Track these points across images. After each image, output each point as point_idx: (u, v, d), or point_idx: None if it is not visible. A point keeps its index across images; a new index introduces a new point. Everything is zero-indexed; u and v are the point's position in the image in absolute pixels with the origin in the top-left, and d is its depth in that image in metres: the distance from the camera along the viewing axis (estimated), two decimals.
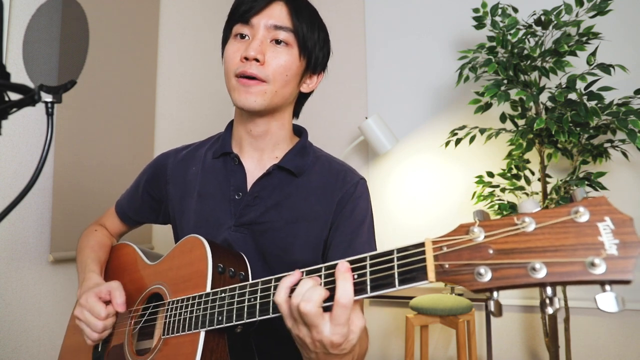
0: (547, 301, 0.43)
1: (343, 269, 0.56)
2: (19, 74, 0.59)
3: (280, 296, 0.59)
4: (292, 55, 0.83)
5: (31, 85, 0.48)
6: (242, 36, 0.84)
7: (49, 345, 1.56)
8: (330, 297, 0.56)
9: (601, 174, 1.87)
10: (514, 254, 0.44)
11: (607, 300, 0.39)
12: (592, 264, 0.40)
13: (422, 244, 0.51)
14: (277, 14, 0.83)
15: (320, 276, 0.59)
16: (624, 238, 0.40)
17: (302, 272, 0.62)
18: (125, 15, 1.96)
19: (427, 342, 2.15)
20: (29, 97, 0.46)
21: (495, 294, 0.46)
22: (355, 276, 0.55)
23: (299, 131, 0.98)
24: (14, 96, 0.46)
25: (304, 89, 0.91)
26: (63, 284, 1.63)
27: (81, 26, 0.55)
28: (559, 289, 2.01)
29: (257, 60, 0.80)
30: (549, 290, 0.43)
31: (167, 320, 0.77)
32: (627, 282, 0.39)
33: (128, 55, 1.96)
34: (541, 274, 0.42)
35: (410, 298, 2.08)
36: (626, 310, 2.15)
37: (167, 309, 0.78)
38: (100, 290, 0.81)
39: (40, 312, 1.54)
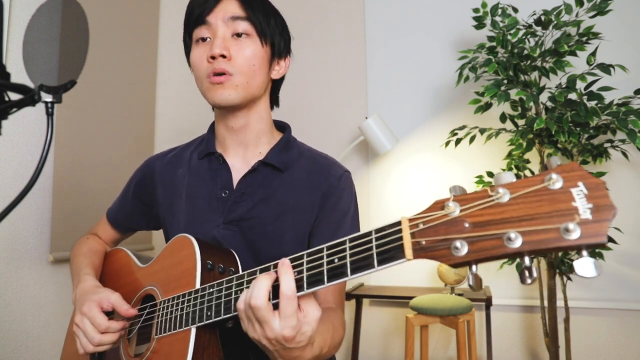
0: (526, 272, 0.43)
1: (285, 264, 0.60)
2: (19, 74, 0.59)
3: (239, 304, 0.62)
4: (255, 44, 0.86)
5: (31, 85, 0.48)
6: (204, 39, 0.86)
7: (49, 345, 1.56)
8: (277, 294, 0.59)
9: (601, 174, 1.87)
10: (489, 225, 0.44)
11: (584, 265, 0.40)
12: (567, 230, 0.40)
13: (398, 223, 0.51)
14: (231, 9, 0.85)
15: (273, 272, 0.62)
16: (598, 202, 0.40)
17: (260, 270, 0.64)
18: (125, 15, 1.96)
19: (427, 342, 2.15)
20: (29, 97, 0.46)
21: (474, 267, 0.46)
22: (336, 260, 0.56)
23: (282, 127, 1.00)
24: (14, 96, 0.46)
25: (275, 75, 0.93)
26: (63, 284, 1.63)
27: (81, 26, 0.55)
28: (558, 284, 2.01)
29: (223, 56, 0.82)
30: (526, 260, 0.43)
31: (159, 320, 0.77)
32: (601, 245, 0.39)
33: (128, 55, 1.96)
34: (517, 243, 0.42)
35: (410, 298, 2.08)
36: (626, 310, 2.15)
37: (159, 308, 0.78)
38: (102, 299, 0.80)
39: (40, 312, 1.54)
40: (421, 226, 0.49)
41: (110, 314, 0.87)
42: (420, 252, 0.48)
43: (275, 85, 0.97)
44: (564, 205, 0.41)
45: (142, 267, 0.90)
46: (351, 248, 0.55)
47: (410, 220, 0.50)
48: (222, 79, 0.82)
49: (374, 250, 0.52)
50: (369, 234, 0.54)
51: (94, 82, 1.77)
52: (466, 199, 0.46)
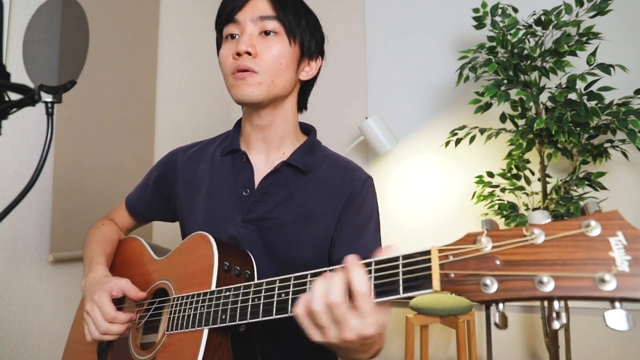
0: (554, 315, 0.42)
1: (352, 260, 0.54)
2: (19, 74, 0.59)
3: (299, 308, 0.56)
4: (283, 43, 0.85)
5: (31, 85, 0.48)
6: (233, 36, 0.86)
7: (49, 345, 1.56)
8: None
9: (601, 174, 1.87)
10: (521, 266, 0.43)
11: (616, 317, 0.38)
12: (602, 280, 0.39)
13: (428, 252, 0.50)
14: (261, 7, 0.85)
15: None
16: (637, 254, 0.38)
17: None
18: (125, 15, 1.96)
19: (427, 342, 2.15)
20: (29, 97, 0.46)
21: (500, 305, 0.45)
22: None
23: (307, 129, 0.99)
24: (14, 96, 0.46)
25: (304, 76, 0.92)
26: (63, 284, 1.63)
27: (81, 26, 0.55)
28: None
29: (248, 53, 0.82)
30: (555, 304, 0.42)
31: (172, 316, 0.77)
32: (638, 301, 0.38)
33: (128, 55, 1.96)
34: (548, 287, 0.41)
35: (410, 298, 2.08)
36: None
37: (172, 304, 0.78)
38: (112, 287, 0.81)
39: (40, 312, 1.54)
40: (451, 258, 0.48)
41: (120, 304, 0.88)
42: (447, 284, 0.48)
43: (305, 88, 0.96)
44: (601, 254, 0.40)
45: (156, 260, 0.90)
46: (376, 271, 0.54)
47: (440, 250, 0.49)
48: (245, 75, 0.82)
49: (400, 277, 0.51)
50: (396, 258, 0.53)
51: (94, 82, 1.77)
52: (499, 236, 0.46)
